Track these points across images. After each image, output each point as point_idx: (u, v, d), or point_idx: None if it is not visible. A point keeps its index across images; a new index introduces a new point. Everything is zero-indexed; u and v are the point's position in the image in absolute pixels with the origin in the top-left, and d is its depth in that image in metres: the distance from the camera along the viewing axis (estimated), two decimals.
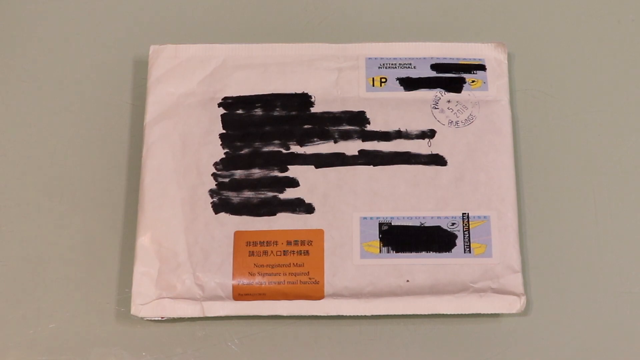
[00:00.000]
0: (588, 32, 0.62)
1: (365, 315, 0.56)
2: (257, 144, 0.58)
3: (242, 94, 0.59)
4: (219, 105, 0.58)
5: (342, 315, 0.57)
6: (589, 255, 0.58)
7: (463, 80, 0.59)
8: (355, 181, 0.57)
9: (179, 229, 0.56)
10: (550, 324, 0.56)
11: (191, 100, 0.59)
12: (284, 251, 0.56)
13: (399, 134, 0.58)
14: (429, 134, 0.58)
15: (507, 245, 0.56)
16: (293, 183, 0.57)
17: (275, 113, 0.58)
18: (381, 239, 0.56)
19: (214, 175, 0.57)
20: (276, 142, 0.58)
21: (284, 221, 0.56)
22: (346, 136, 0.58)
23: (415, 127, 0.58)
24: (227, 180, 0.57)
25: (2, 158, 0.60)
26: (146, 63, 0.62)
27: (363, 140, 0.57)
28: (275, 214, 0.56)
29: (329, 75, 0.59)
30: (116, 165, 0.59)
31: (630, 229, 0.58)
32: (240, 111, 0.58)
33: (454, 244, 0.56)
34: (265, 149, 0.57)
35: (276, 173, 0.57)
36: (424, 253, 0.56)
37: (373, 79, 0.59)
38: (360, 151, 0.57)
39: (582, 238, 0.58)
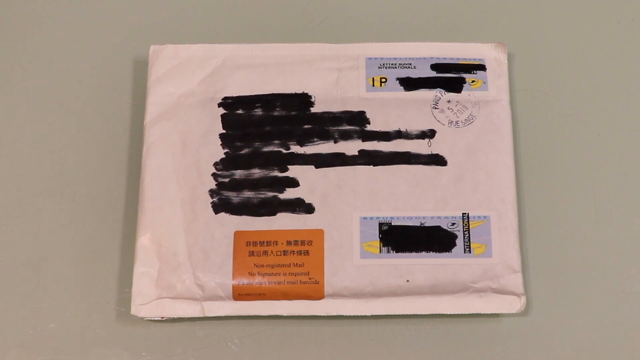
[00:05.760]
0: (588, 32, 0.62)
1: (365, 315, 0.56)
2: (257, 144, 0.58)
3: (242, 94, 0.59)
4: (219, 105, 0.58)
5: (342, 315, 0.57)
6: (589, 255, 0.58)
7: (463, 80, 0.59)
8: (355, 181, 0.57)
9: (179, 229, 0.56)
10: (550, 324, 0.56)
11: (191, 100, 0.59)
12: (284, 251, 0.56)
13: (399, 134, 0.57)
14: (429, 134, 0.58)
15: (507, 245, 0.56)
16: (293, 183, 0.57)
17: (275, 113, 0.58)
18: (381, 239, 0.56)
19: (214, 175, 0.57)
20: (276, 142, 0.58)
21: (284, 221, 0.56)
22: (346, 136, 0.58)
23: (415, 127, 0.58)
24: (227, 180, 0.57)
25: (2, 158, 0.60)
26: (146, 63, 0.62)
27: (363, 140, 0.57)
28: (275, 214, 0.56)
29: (329, 75, 0.59)
30: (116, 165, 0.59)
31: (630, 229, 0.58)
32: (240, 111, 0.58)
33: (454, 244, 0.56)
34: (265, 149, 0.57)
35: (276, 173, 0.57)
36: (424, 253, 0.56)
37: (373, 79, 0.59)
38: (360, 151, 0.57)
39: (582, 238, 0.58)
